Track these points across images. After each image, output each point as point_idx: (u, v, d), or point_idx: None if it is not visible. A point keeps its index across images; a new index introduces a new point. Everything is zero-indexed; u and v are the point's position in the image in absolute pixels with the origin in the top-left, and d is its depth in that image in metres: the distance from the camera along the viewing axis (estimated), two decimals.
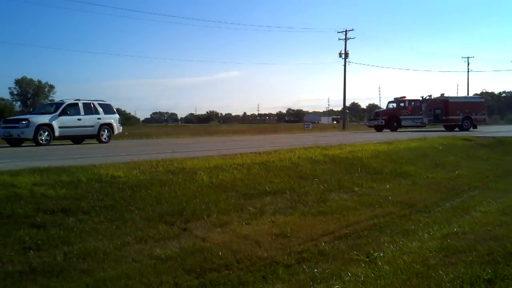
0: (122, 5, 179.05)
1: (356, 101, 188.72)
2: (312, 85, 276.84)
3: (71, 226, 6.23)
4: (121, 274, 4.96)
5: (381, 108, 40.15)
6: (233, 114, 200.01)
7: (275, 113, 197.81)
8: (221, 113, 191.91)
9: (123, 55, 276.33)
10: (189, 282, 4.91)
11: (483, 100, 42.54)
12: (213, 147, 16.88)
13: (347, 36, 59.63)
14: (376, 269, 5.16)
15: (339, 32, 60.49)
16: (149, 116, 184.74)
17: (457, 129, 38.92)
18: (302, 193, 9.17)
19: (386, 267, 5.20)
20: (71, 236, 5.90)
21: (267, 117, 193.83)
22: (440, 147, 18.32)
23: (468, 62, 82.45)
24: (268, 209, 7.97)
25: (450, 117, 38.41)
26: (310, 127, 54.71)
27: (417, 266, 5.17)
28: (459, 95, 43.94)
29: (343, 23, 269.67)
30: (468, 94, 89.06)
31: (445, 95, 39.87)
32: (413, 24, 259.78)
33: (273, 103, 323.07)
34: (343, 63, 59.84)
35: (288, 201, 8.59)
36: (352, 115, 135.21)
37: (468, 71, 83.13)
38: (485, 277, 4.61)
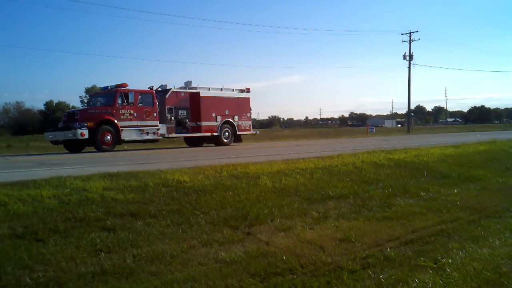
0: (184, 13, 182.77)
1: (421, 104, 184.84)
2: (376, 88, 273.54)
3: (140, 230, 6.44)
4: (188, 277, 5.07)
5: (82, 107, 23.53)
6: (295, 118, 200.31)
7: (338, 117, 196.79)
8: (283, 118, 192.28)
9: (187, 63, 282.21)
10: (254, 286, 4.95)
11: (248, 95, 27.57)
12: (275, 152, 16.95)
13: (411, 38, 58.55)
14: (444, 275, 5.02)
15: (403, 34, 59.53)
16: None
17: (212, 144, 25.90)
18: (366, 198, 9.05)
19: (455, 274, 5.05)
20: (139, 239, 6.09)
21: (329, 121, 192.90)
22: (511, 150, 17.60)
23: None
24: (331, 213, 7.91)
25: (204, 124, 24.63)
26: (374, 131, 54.09)
27: (488, 274, 4.99)
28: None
29: (407, 25, 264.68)
30: None
31: (193, 85, 25.46)
32: (481, 23, 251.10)
33: (336, 107, 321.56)
34: (407, 65, 58.72)
35: (352, 206, 8.49)
36: (417, 119, 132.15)
37: None
38: None
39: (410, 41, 58.63)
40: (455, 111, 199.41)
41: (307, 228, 7.06)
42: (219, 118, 25.12)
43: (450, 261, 5.58)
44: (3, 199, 7.19)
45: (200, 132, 24.60)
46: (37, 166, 12.83)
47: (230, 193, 8.46)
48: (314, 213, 7.87)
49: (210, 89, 25.49)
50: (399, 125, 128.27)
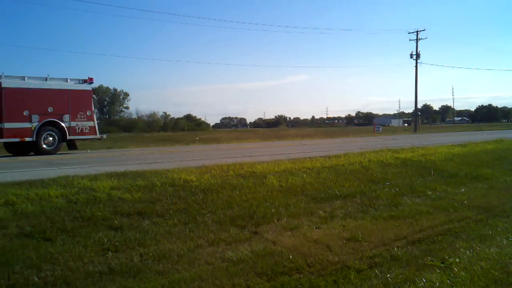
0: (190, 13, 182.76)
1: (428, 103, 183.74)
2: (382, 87, 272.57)
3: (147, 229, 6.47)
4: (195, 276, 5.08)
5: None
6: (301, 118, 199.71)
7: (344, 116, 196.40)
8: (289, 117, 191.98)
9: (192, 62, 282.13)
10: (261, 285, 4.95)
11: (89, 88, 20.66)
12: (282, 151, 16.95)
13: (418, 37, 58.15)
14: (452, 275, 5.01)
15: (410, 32, 59.07)
16: (219, 121, 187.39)
17: (32, 153, 18.55)
18: (373, 197, 9.03)
19: (463, 273, 5.03)
20: (146, 238, 6.11)
21: (336, 121, 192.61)
22: None
23: None
24: (338, 213, 7.90)
25: (8, 126, 17.64)
26: (380, 130, 53.87)
27: (496, 273, 4.97)
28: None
29: (414, 24, 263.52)
30: None
31: None
32: (488, 21, 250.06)
33: (342, 106, 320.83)
34: (414, 64, 58.36)
35: (359, 205, 8.48)
36: (424, 117, 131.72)
37: None
38: None
39: (417, 40, 58.33)
40: (462, 110, 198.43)
41: (314, 227, 7.06)
42: (35, 118, 18.37)
43: (458, 260, 5.56)
44: (11, 198, 7.25)
45: (2, 138, 17.79)
46: (45, 165, 12.90)
47: (237, 192, 8.48)
48: (321, 212, 7.86)
49: (26, 78, 18.61)
50: (406, 124, 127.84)
